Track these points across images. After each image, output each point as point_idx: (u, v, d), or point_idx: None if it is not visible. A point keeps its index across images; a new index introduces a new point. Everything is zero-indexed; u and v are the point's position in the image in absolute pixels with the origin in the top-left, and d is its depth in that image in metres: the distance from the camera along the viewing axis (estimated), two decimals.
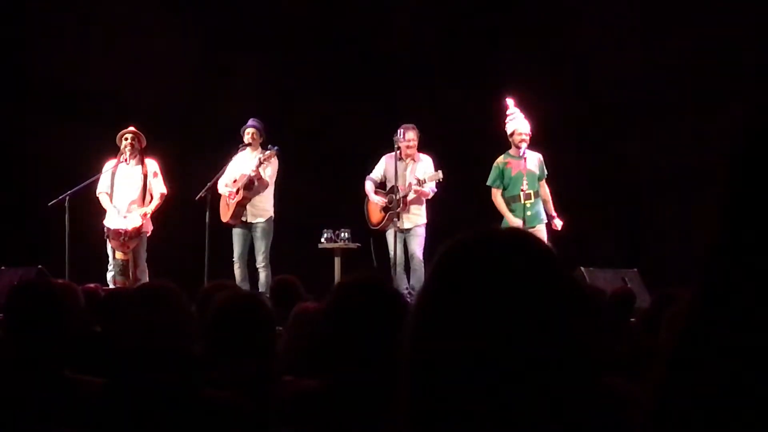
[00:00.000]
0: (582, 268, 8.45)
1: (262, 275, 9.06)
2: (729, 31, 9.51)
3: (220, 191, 9.15)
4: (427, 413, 1.17)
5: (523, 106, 8.78)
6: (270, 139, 9.29)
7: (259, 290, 8.89)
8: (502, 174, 8.68)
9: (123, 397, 2.53)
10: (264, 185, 9.06)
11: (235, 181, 9.13)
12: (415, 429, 1.18)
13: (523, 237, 1.25)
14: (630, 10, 10.20)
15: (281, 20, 11.03)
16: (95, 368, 3.01)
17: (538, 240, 1.26)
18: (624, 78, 10.06)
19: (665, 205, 9.86)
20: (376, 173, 9.18)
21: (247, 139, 9.14)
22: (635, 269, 8.66)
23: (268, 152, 8.93)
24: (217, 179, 9.12)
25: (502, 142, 8.86)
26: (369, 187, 9.18)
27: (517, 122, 8.63)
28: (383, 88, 10.58)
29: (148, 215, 9.00)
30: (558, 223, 8.65)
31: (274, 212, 9.24)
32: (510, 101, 8.72)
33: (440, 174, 8.70)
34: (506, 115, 8.72)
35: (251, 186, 9.02)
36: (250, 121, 9.21)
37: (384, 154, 9.12)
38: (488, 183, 8.74)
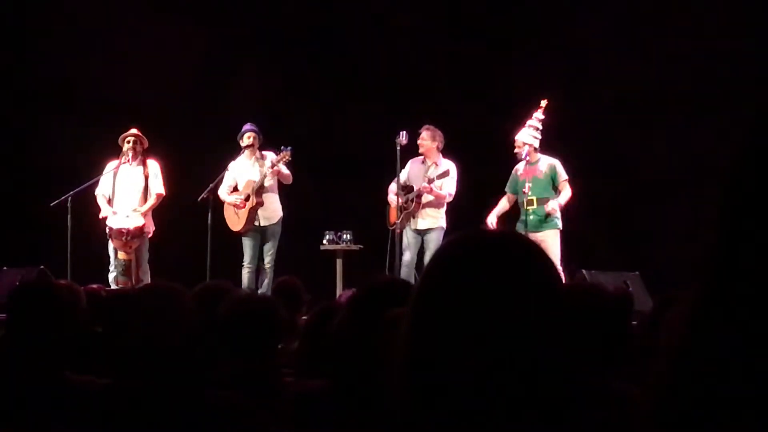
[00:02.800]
0: (584, 271, 8.44)
1: (267, 277, 9.07)
2: (731, 33, 9.51)
3: (222, 199, 9.17)
4: (419, 412, 1.18)
5: (524, 108, 8.80)
6: (271, 141, 9.30)
7: (261, 290, 8.94)
8: (515, 181, 8.82)
9: (124, 397, 2.53)
10: (285, 177, 9.06)
11: (235, 189, 9.17)
12: (409, 428, 1.18)
13: (509, 238, 1.26)
14: (632, 11, 10.19)
15: (284, 22, 11.03)
16: (97, 369, 3.01)
17: (526, 241, 1.27)
18: (625, 80, 10.05)
19: (667, 207, 9.86)
20: (402, 176, 9.13)
21: (247, 141, 9.16)
22: (637, 272, 8.65)
23: (282, 152, 8.94)
24: (220, 181, 9.13)
25: (503, 144, 8.88)
26: (391, 188, 9.18)
27: (520, 132, 8.73)
28: (385, 91, 10.58)
29: (143, 212, 9.00)
30: (551, 206, 8.57)
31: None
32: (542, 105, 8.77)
33: (447, 173, 8.75)
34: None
35: (262, 191, 9.07)
36: (248, 125, 9.24)
37: (410, 160, 9.11)
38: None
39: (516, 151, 8.74)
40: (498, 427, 1.14)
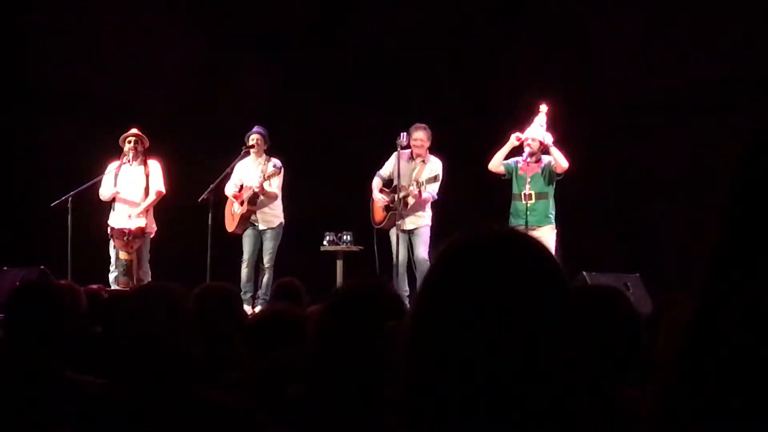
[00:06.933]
0: (584, 273, 8.43)
1: (266, 276, 9.10)
2: (734, 37, 9.51)
3: (226, 193, 9.20)
4: (424, 411, 1.17)
5: (526, 108, 8.81)
6: (273, 141, 9.30)
7: (261, 290, 8.97)
8: (512, 168, 8.80)
9: (124, 398, 2.53)
10: (272, 197, 9.13)
11: (241, 188, 9.18)
12: (412, 428, 1.18)
13: (517, 237, 1.26)
14: (637, 13, 10.19)
15: (284, 21, 11.03)
16: (96, 369, 3.01)
17: (534, 240, 1.27)
18: (627, 81, 10.05)
19: (668, 209, 9.85)
20: (385, 170, 9.12)
21: (251, 143, 9.17)
22: (637, 274, 8.65)
23: (272, 169, 8.98)
24: (221, 182, 9.14)
25: (503, 144, 8.89)
26: (375, 184, 9.16)
27: (531, 129, 8.74)
28: (386, 91, 10.57)
29: (141, 210, 8.98)
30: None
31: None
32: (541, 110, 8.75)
33: (437, 178, 8.72)
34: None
35: (255, 200, 9.09)
36: (256, 128, 9.26)
37: (394, 153, 8.99)
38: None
39: (526, 146, 8.71)
40: (500, 427, 1.14)
